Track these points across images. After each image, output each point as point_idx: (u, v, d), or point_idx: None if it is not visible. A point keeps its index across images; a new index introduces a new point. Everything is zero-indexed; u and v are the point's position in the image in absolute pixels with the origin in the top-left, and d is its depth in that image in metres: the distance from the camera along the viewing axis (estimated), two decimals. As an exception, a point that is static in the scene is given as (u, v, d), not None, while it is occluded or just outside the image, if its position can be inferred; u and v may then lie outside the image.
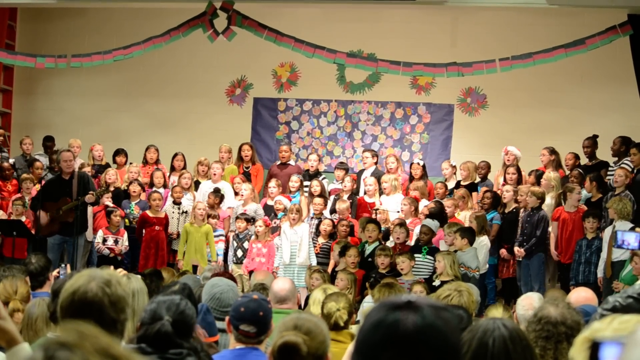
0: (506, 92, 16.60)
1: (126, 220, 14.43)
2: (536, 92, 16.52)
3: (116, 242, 14.01)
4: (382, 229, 13.33)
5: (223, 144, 15.70)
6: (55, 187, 13.46)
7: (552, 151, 14.32)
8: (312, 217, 14.07)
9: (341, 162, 16.15)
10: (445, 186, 14.39)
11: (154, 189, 14.84)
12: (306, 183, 15.01)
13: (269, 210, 14.29)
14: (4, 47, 16.96)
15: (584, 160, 14.43)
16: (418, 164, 15.03)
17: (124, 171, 15.63)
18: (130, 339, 4.28)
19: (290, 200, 14.41)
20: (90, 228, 14.24)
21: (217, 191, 14.54)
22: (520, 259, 12.95)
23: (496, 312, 6.60)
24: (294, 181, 14.69)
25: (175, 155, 15.75)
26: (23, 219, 13.89)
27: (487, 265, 12.83)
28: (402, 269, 11.81)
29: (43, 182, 14.31)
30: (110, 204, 14.41)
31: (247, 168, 15.56)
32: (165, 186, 15.02)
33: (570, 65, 15.02)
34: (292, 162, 15.83)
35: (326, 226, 13.54)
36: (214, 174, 14.91)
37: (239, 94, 18.11)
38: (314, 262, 13.17)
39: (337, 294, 6.40)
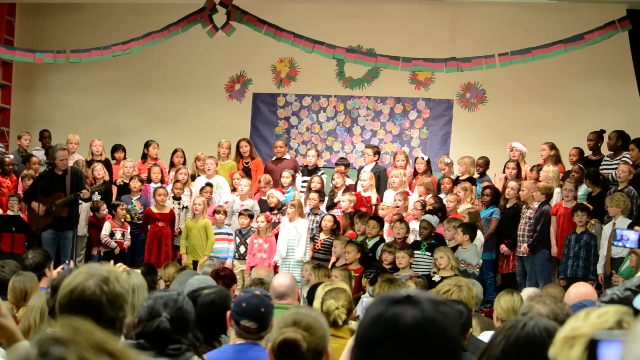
0: (505, 87, 16.60)
1: (128, 216, 14.43)
2: (535, 87, 16.51)
3: (123, 235, 14.08)
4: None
5: (223, 140, 15.69)
6: (49, 181, 13.45)
7: (552, 146, 14.31)
8: (308, 213, 14.05)
9: (342, 158, 16.15)
10: (452, 181, 14.35)
11: (152, 184, 14.84)
12: (305, 178, 15.03)
13: (264, 205, 14.30)
14: (2, 43, 16.94)
15: (587, 154, 14.41)
16: (422, 158, 15.00)
17: (120, 167, 15.60)
18: (129, 335, 4.27)
19: (284, 194, 14.42)
20: (82, 223, 14.25)
21: (209, 185, 14.58)
22: (524, 255, 12.94)
23: (504, 301, 6.56)
24: (286, 177, 14.68)
25: (175, 151, 15.75)
26: (20, 214, 13.90)
27: (481, 260, 12.82)
28: (400, 264, 11.82)
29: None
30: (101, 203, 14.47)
31: (246, 164, 15.56)
32: (162, 182, 15.00)
33: (569, 60, 15.01)
34: (287, 157, 15.83)
35: (327, 222, 13.53)
36: (208, 169, 14.90)
37: (238, 90, 18.10)
38: (307, 257, 13.23)
39: (337, 289, 6.37)
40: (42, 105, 18.83)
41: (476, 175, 14.69)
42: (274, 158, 15.87)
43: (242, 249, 13.83)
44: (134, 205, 14.56)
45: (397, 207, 13.70)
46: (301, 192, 14.70)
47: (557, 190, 13.39)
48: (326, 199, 14.48)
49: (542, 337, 3.17)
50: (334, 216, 13.69)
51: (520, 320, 3.30)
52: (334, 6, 16.90)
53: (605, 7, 13.93)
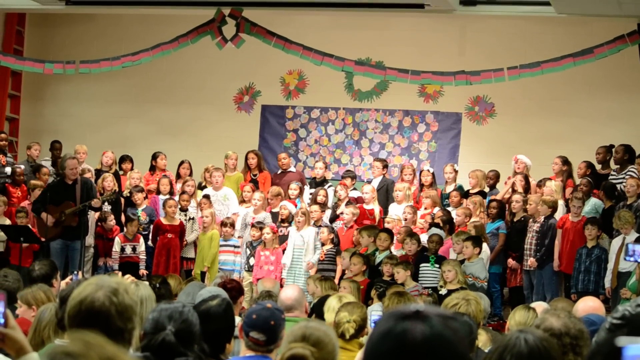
0: (514, 100, 16.59)
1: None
2: (544, 101, 16.50)
3: (134, 249, 14.03)
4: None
5: (231, 152, 15.68)
6: (58, 191, 13.45)
7: (565, 161, 14.29)
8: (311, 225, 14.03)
9: (348, 170, 16.14)
10: (460, 194, 14.33)
11: (160, 196, 14.83)
12: (312, 190, 15.02)
13: (274, 218, 14.31)
14: (12, 53, 17.00)
15: (596, 167, 14.39)
16: (428, 171, 15.00)
17: (127, 178, 15.60)
18: (136, 348, 4.27)
19: (296, 205, 14.41)
20: (91, 234, 14.26)
21: (207, 197, 14.62)
22: (532, 269, 12.91)
23: (519, 316, 6.54)
24: (293, 189, 14.68)
25: (182, 163, 15.72)
26: (29, 225, 13.89)
27: (487, 274, 12.79)
28: (397, 280, 11.78)
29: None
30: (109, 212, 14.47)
31: (254, 176, 15.53)
32: (171, 193, 14.98)
33: (578, 74, 15.00)
34: (292, 169, 15.84)
35: (322, 233, 13.52)
36: (216, 182, 14.89)
37: (246, 101, 18.11)
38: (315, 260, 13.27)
39: (354, 304, 6.40)
40: (51, 116, 18.86)
41: (486, 189, 14.67)
42: (279, 171, 15.86)
43: (252, 261, 13.82)
44: (139, 216, 14.52)
45: (406, 220, 13.68)
46: (308, 204, 14.68)
47: (560, 203, 13.39)
48: (329, 211, 14.49)
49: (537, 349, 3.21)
50: (330, 227, 13.69)
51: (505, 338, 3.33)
52: (343, 19, 16.90)
53: (615, 21, 13.90)
